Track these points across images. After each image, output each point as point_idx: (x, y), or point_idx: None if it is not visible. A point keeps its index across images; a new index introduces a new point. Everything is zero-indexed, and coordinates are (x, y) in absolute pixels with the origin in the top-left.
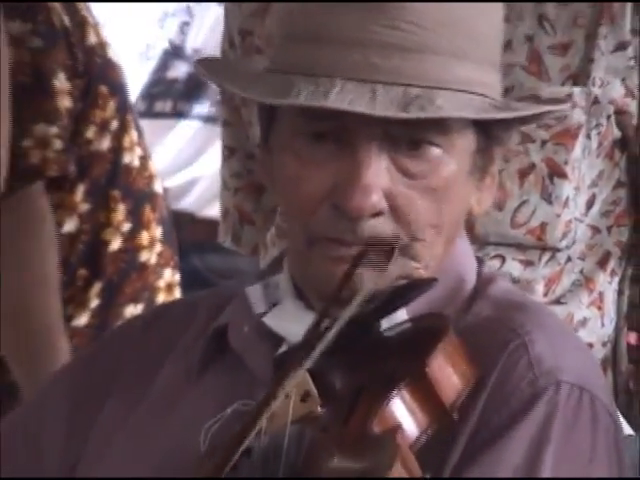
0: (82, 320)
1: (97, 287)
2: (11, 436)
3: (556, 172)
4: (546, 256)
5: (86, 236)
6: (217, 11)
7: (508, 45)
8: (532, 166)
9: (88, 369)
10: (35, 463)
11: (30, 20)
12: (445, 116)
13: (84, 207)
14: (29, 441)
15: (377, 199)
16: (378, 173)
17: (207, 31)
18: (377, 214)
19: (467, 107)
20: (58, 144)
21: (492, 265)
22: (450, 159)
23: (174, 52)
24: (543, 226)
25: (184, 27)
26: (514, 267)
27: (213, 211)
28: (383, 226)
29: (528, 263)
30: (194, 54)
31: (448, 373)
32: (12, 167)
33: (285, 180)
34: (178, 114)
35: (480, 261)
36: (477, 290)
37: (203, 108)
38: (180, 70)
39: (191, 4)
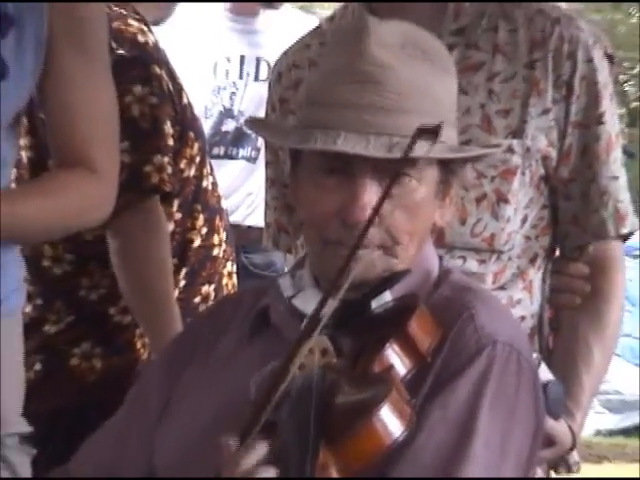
0: (175, 295)
1: (183, 272)
2: (134, 392)
3: (501, 199)
4: (494, 257)
5: (177, 236)
6: (254, 85)
7: (467, 110)
8: (485, 195)
9: (177, 344)
10: (144, 402)
11: (148, 85)
12: (416, 156)
13: (177, 215)
14: (143, 393)
15: (370, 214)
16: (371, 196)
17: (248, 99)
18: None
19: (432, 150)
20: (169, 169)
21: (457, 263)
22: (420, 186)
23: (226, 113)
24: (492, 236)
25: (232, 96)
26: (472, 264)
27: (252, 222)
28: (374, 233)
29: (482, 261)
30: (239, 115)
31: (422, 331)
32: (138, 185)
33: (307, 201)
34: (228, 156)
35: (441, 258)
36: (440, 278)
37: (246, 152)
38: (230, 126)
39: (237, 81)
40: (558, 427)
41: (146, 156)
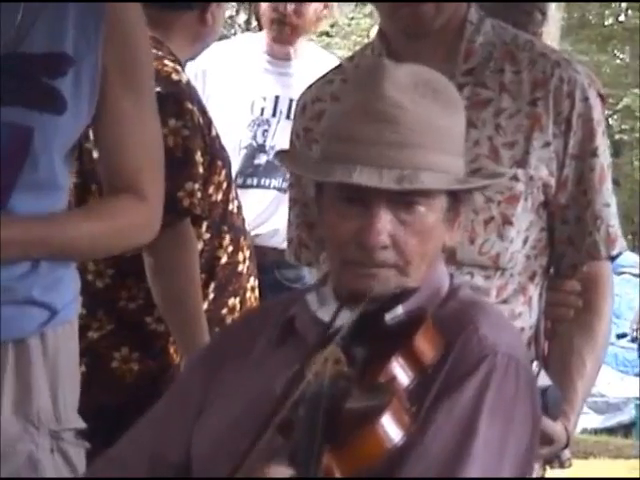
0: (204, 307)
1: (212, 286)
2: (174, 388)
3: (506, 222)
4: (498, 273)
5: (206, 253)
6: (285, 123)
7: (477, 142)
8: (492, 218)
9: (214, 349)
10: (185, 398)
11: (181, 119)
12: (423, 188)
13: (206, 236)
14: (183, 389)
15: (384, 238)
16: (385, 223)
17: (278, 134)
18: (384, 247)
19: (439, 182)
20: (199, 194)
21: (466, 278)
22: (430, 213)
23: (258, 148)
24: (498, 255)
25: (264, 132)
26: (479, 279)
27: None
28: (388, 255)
29: (487, 277)
30: (270, 149)
31: (426, 345)
32: (172, 209)
33: (329, 226)
34: (261, 187)
35: (452, 276)
36: (449, 294)
37: (277, 183)
38: (262, 159)
39: (270, 118)
40: (556, 427)
41: (179, 182)
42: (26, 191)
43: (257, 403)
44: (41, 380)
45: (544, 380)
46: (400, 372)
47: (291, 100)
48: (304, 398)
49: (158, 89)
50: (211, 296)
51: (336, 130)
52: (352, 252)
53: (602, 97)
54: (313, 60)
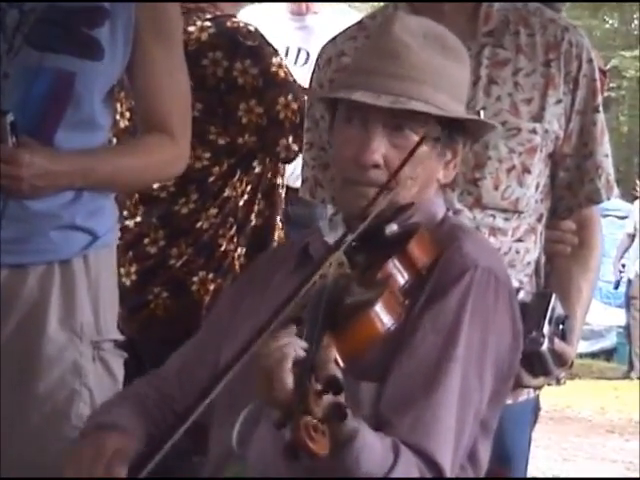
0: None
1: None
2: (209, 315)
3: (525, 170)
4: (515, 215)
5: (266, 180)
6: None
7: (498, 98)
8: (513, 167)
9: (242, 280)
10: (218, 322)
11: (279, 54)
12: (411, 109)
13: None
14: (214, 316)
15: (377, 157)
16: (379, 144)
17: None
18: (377, 166)
19: (429, 110)
20: None
21: (489, 220)
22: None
23: None
24: (517, 200)
25: None
26: (499, 221)
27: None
28: (381, 174)
29: (506, 219)
30: None
31: (419, 252)
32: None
33: (335, 147)
34: None
35: (447, 209)
36: (443, 221)
37: None
38: None
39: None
40: (571, 352)
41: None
42: (70, 129)
43: None
44: (84, 297)
45: (561, 310)
46: (395, 272)
47: (299, 49)
48: (310, 296)
49: (250, 43)
50: (259, 222)
51: (349, 67)
52: (351, 171)
53: (604, 72)
54: (331, 14)
